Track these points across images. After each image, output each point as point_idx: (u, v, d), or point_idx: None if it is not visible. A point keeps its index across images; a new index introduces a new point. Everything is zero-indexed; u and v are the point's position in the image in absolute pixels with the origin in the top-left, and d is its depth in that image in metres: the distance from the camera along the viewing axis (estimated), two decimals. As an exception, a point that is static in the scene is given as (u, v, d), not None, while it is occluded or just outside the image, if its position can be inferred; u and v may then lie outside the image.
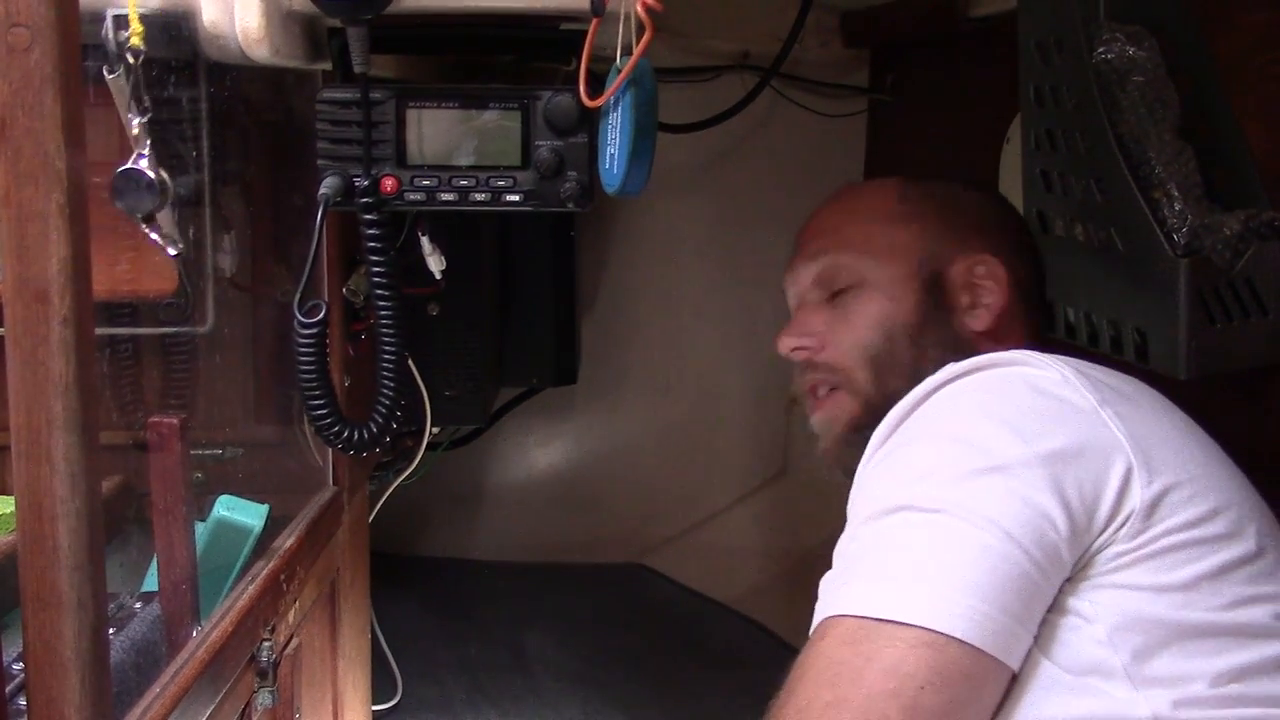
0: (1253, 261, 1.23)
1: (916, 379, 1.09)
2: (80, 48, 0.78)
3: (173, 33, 1.17)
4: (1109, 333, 1.36)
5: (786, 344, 1.28)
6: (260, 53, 1.18)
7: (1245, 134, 1.29)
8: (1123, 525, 0.94)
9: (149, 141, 1.04)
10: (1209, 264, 1.23)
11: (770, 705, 0.96)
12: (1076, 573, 0.95)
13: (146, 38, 1.04)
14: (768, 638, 2.33)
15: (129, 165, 1.04)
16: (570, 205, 1.24)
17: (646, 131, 1.17)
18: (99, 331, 0.81)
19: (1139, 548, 0.94)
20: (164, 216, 1.09)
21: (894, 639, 0.90)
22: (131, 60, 1.02)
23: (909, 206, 1.28)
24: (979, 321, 1.23)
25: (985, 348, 1.16)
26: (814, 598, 1.00)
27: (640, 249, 2.47)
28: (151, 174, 1.04)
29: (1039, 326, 1.31)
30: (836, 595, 0.96)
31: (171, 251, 1.10)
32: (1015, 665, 0.92)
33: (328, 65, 1.33)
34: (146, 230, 1.07)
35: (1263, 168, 1.27)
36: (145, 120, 1.04)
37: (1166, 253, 1.24)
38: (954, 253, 1.25)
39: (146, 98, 1.05)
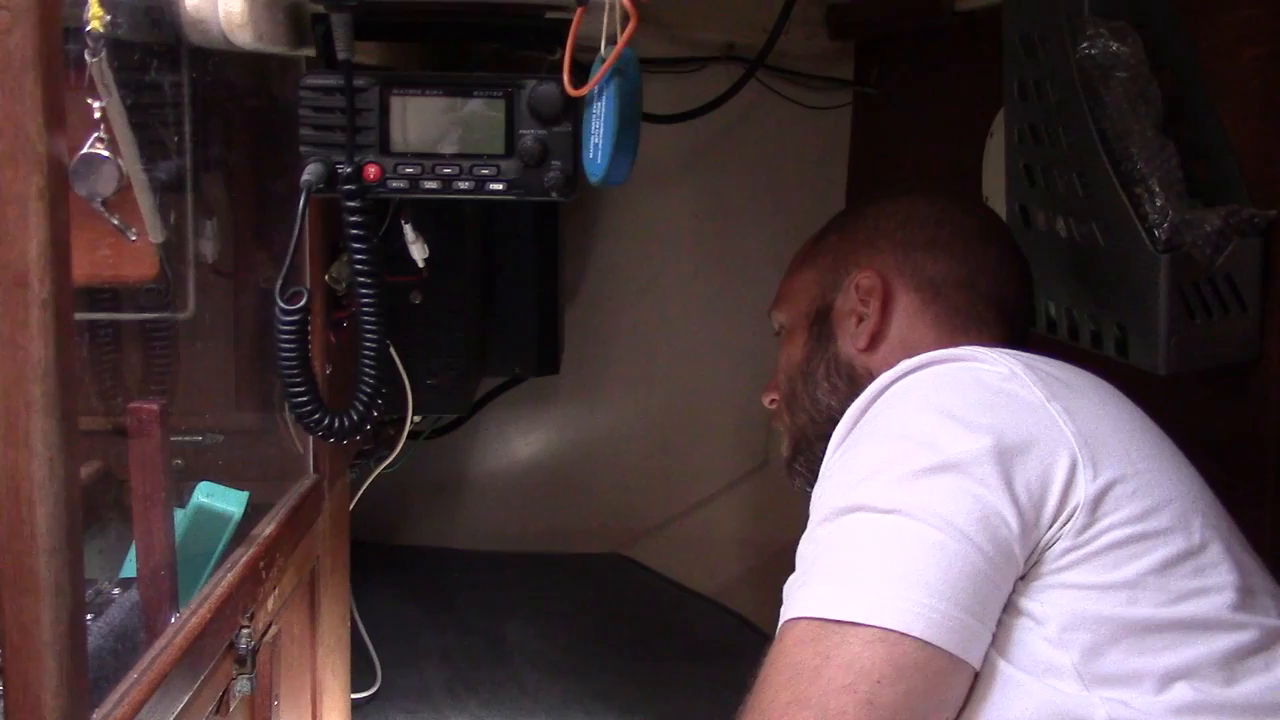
0: (1233, 258, 1.24)
1: (818, 409, 1.24)
2: (61, 31, 0.78)
3: (155, 17, 1.16)
4: (1090, 328, 1.37)
5: (764, 400, 1.36)
6: (243, 38, 1.17)
7: (1227, 130, 1.29)
8: (1068, 520, 0.95)
9: (104, 125, 1.04)
10: (1189, 260, 1.24)
11: (739, 709, 0.97)
12: (1028, 571, 0.96)
13: (128, 23, 1.03)
14: (747, 629, 2.34)
15: (86, 149, 1.03)
16: (554, 194, 1.24)
17: (630, 121, 1.17)
18: (79, 316, 0.81)
19: (1084, 544, 0.95)
20: (144, 202, 1.08)
21: (849, 637, 0.91)
22: (91, 44, 1.01)
23: (817, 245, 1.32)
24: (860, 341, 1.22)
25: (873, 362, 1.20)
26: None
27: (624, 239, 2.47)
28: (108, 158, 1.04)
29: (972, 316, 1.21)
30: (795, 598, 0.97)
31: (132, 237, 1.09)
32: (974, 662, 0.93)
33: (312, 51, 1.32)
34: (105, 214, 1.06)
35: (1244, 164, 1.28)
36: (104, 105, 1.03)
37: (1147, 248, 1.24)
38: (841, 279, 1.25)
39: (110, 82, 1.04)
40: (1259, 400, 1.29)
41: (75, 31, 1.01)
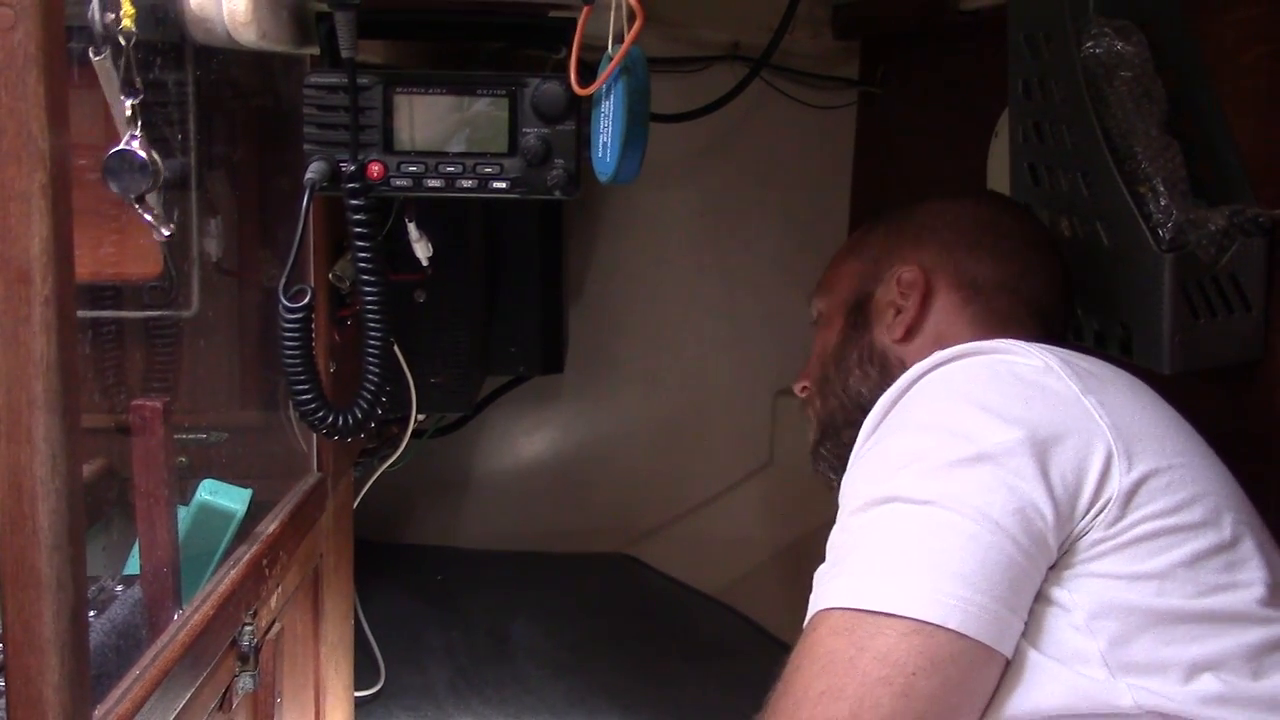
0: (1237, 257, 1.24)
1: (848, 395, 1.27)
2: (65, 28, 0.78)
3: (159, 15, 1.16)
4: (1094, 327, 1.37)
5: (796, 388, 1.39)
6: (247, 36, 1.17)
7: (1231, 129, 1.29)
8: (1101, 512, 0.96)
9: (140, 123, 1.04)
10: (1194, 259, 1.24)
11: (767, 698, 0.97)
12: (1059, 560, 0.97)
13: (133, 20, 1.03)
14: (752, 628, 2.34)
15: (122, 146, 1.04)
16: (557, 193, 1.24)
17: (639, 120, 1.17)
18: (82, 314, 0.81)
19: (1116, 535, 0.96)
20: (153, 199, 1.08)
21: (884, 629, 0.92)
22: (123, 42, 1.02)
23: (864, 237, 1.36)
24: (894, 332, 1.25)
25: (906, 353, 1.23)
26: (804, 589, 1.00)
27: (628, 238, 2.46)
28: (144, 155, 1.04)
29: (1010, 318, 1.23)
30: (828, 587, 0.97)
31: (165, 233, 1.10)
32: (1008, 652, 0.94)
33: (315, 50, 1.32)
34: (139, 211, 1.06)
35: (1248, 163, 1.28)
36: (136, 102, 1.04)
37: (1151, 248, 1.24)
38: (883, 271, 1.29)
39: (138, 79, 1.04)
40: (1263, 400, 1.29)
41: (80, 29, 1.01)
